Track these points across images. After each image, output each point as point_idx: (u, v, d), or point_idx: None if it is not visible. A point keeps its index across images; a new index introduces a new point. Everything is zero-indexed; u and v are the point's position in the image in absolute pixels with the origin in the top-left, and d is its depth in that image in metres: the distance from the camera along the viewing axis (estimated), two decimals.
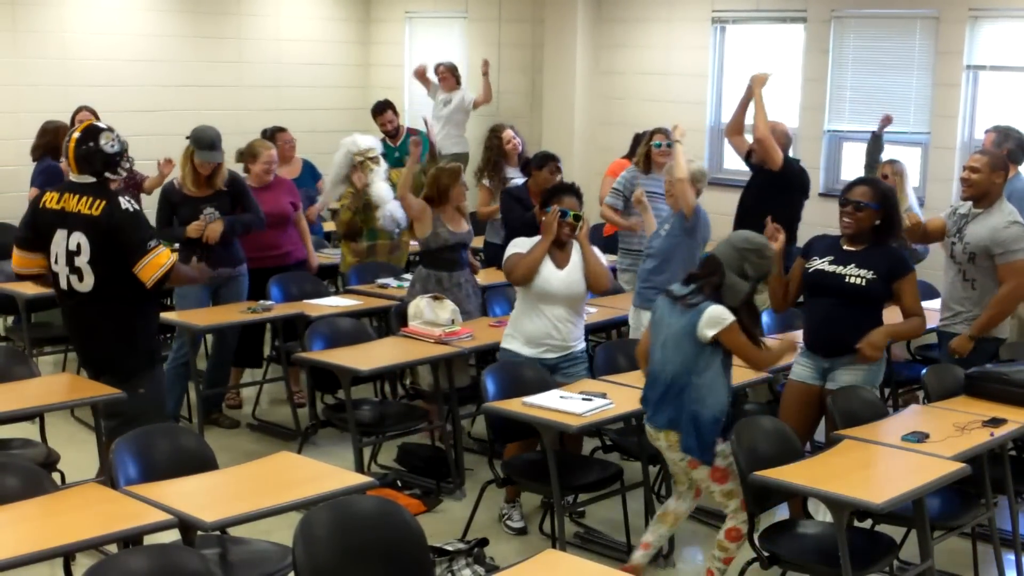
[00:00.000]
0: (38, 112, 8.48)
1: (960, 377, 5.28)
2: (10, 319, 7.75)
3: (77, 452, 5.68)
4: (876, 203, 5.00)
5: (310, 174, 8.54)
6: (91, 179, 4.99)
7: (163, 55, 10.53)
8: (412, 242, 7.22)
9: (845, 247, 5.09)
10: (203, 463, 4.21)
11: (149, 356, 5.21)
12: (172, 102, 10.25)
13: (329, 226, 8.97)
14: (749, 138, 7.22)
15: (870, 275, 4.99)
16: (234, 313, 6.65)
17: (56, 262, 5.03)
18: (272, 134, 8.25)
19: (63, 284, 5.04)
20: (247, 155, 7.19)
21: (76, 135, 5.01)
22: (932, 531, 4.50)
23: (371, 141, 7.53)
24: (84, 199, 4.95)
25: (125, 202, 4.97)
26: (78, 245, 4.94)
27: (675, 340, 4.57)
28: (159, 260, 4.93)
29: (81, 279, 4.97)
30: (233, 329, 6.81)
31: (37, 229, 5.09)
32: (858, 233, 5.03)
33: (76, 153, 4.97)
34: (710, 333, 4.50)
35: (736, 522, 4.59)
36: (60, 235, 4.98)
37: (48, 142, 8.00)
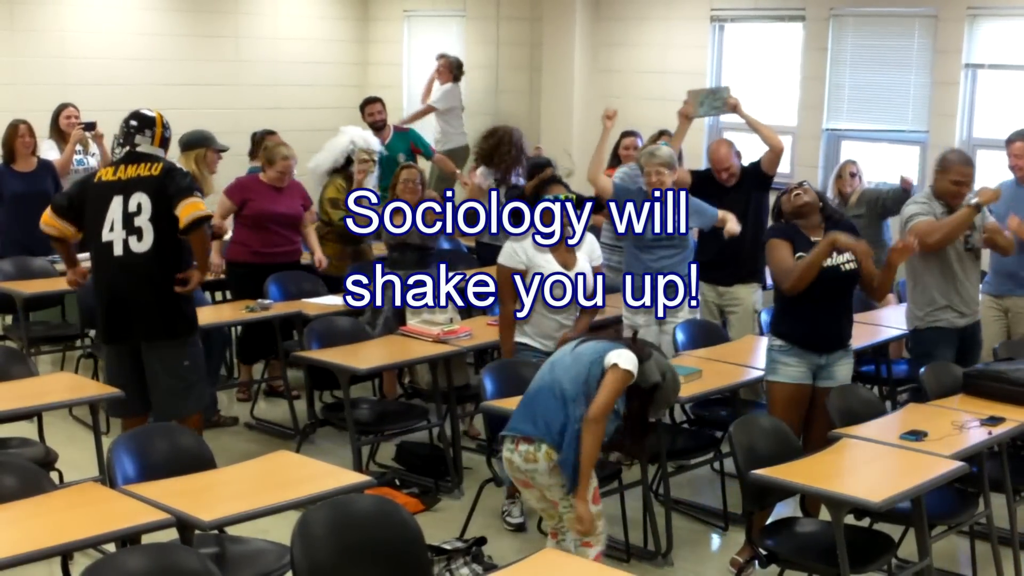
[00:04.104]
0: (35, 111, 8.45)
1: (958, 375, 5.30)
2: (8, 318, 7.73)
3: (75, 451, 5.68)
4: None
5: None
6: (160, 152, 5.34)
7: (160, 54, 10.52)
8: None
9: (813, 238, 5.11)
10: (201, 462, 4.22)
11: (193, 322, 5.45)
12: (169, 101, 10.12)
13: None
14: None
15: (852, 257, 5.08)
16: (233, 312, 6.64)
17: (112, 229, 5.18)
18: (261, 137, 8.13)
19: (118, 250, 5.17)
20: (263, 158, 7.21)
21: (162, 119, 5.39)
22: (930, 529, 4.50)
23: (377, 144, 7.51)
24: (143, 165, 5.22)
25: (180, 166, 5.42)
26: (139, 205, 5.15)
27: (575, 357, 4.28)
28: (199, 206, 5.18)
29: (140, 238, 5.16)
30: (221, 329, 6.80)
31: (82, 203, 5.27)
32: (814, 210, 5.13)
33: (162, 136, 5.39)
34: (612, 360, 4.19)
35: (602, 545, 4.33)
36: (117, 202, 5.17)
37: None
